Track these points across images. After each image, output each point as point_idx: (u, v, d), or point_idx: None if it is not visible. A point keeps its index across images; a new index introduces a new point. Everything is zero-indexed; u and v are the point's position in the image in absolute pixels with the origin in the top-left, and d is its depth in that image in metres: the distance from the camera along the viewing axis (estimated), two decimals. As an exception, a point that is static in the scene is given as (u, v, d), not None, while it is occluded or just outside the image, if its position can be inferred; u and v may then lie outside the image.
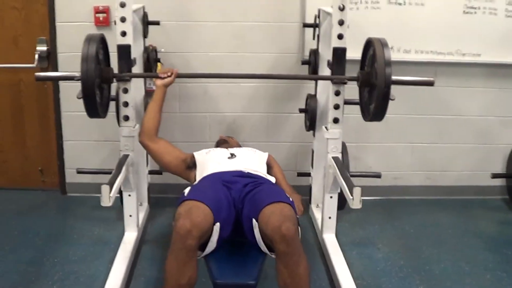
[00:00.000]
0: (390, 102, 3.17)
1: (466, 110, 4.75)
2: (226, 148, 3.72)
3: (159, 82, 3.50)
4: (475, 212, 4.67)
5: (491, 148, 4.86)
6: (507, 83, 4.69)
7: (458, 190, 4.93)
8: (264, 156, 3.64)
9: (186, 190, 2.98)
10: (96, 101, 3.11)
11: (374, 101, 3.15)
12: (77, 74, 3.02)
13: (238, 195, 3.00)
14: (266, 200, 2.80)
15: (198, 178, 3.33)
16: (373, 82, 3.17)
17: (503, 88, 4.70)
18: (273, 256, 2.76)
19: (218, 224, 2.74)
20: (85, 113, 3.16)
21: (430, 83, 3.33)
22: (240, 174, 3.23)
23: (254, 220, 2.76)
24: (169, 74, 3.48)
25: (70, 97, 4.14)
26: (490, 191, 4.92)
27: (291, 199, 2.96)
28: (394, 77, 3.08)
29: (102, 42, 3.27)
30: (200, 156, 3.52)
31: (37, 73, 3.26)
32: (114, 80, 3.38)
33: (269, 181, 3.28)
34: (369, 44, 3.31)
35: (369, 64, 3.32)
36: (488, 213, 4.66)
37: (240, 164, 3.38)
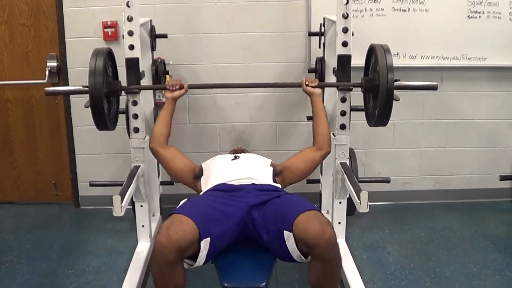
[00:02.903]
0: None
1: (473, 114, 4.77)
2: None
3: (168, 94, 3.51)
4: (484, 214, 4.68)
5: (499, 151, 4.87)
6: (513, 85, 4.71)
7: (467, 193, 4.94)
8: (268, 160, 3.57)
9: (182, 201, 2.96)
10: (104, 113, 3.16)
11: (378, 106, 3.18)
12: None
13: (247, 209, 2.93)
14: (295, 210, 2.74)
15: (203, 185, 3.31)
16: (376, 87, 3.21)
17: (510, 91, 4.72)
18: (305, 261, 2.75)
19: (208, 239, 2.69)
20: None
21: (433, 88, 3.33)
22: (246, 185, 3.15)
23: (286, 232, 2.69)
24: (177, 86, 3.49)
25: (81, 111, 4.16)
26: (498, 193, 4.93)
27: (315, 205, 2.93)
28: (397, 83, 3.11)
29: (110, 56, 3.33)
30: (205, 165, 3.49)
31: (46, 88, 3.28)
32: (123, 93, 3.41)
33: (279, 189, 3.23)
34: (371, 51, 3.34)
35: (372, 70, 3.36)
36: (497, 215, 4.66)
37: (244, 166, 3.37)
